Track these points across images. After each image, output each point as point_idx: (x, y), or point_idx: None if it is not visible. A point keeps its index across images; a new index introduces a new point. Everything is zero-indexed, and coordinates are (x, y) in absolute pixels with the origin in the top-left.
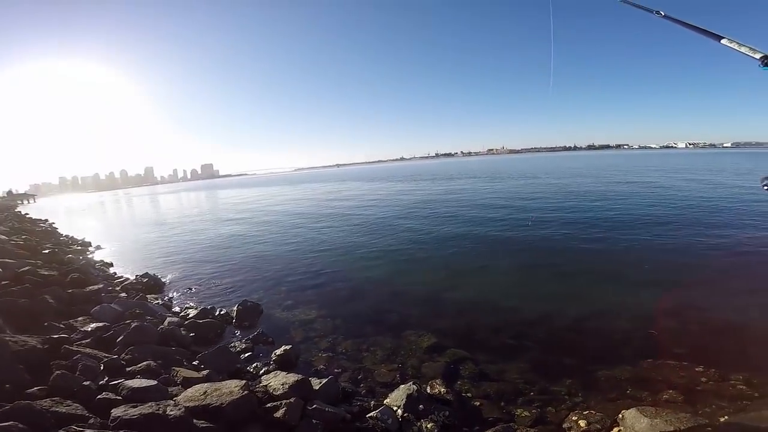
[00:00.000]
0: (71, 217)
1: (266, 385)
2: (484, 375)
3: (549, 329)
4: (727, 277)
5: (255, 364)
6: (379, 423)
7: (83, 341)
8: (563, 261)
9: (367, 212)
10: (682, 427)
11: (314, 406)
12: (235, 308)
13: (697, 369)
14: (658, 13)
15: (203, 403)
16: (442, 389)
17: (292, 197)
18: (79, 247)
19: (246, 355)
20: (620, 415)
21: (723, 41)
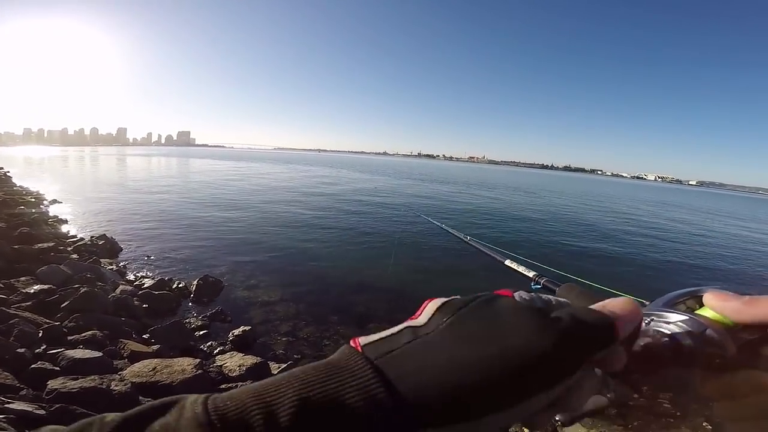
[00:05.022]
0: (30, 168)
1: (221, 366)
2: None
3: None
4: None
5: (210, 343)
6: None
7: (23, 304)
8: None
9: (352, 201)
10: None
11: None
12: (195, 282)
13: None
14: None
15: (152, 379)
16: None
17: (273, 176)
18: (33, 200)
19: (201, 332)
20: None
21: (506, 262)
